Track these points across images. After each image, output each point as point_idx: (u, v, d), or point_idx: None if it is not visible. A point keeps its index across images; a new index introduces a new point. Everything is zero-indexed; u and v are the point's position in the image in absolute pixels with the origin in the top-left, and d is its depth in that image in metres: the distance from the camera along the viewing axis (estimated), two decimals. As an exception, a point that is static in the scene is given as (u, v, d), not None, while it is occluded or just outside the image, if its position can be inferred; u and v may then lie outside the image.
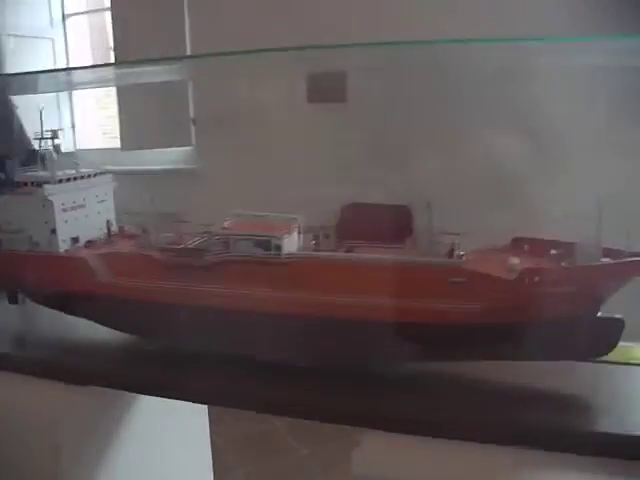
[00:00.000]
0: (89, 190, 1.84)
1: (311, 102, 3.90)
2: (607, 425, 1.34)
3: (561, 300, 1.37)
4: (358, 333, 1.48)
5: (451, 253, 1.52)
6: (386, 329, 1.46)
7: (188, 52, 5.21)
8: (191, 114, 5.10)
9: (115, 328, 1.73)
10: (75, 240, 1.77)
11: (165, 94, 4.43)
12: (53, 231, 1.71)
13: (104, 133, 6.17)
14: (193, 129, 5.08)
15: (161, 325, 1.64)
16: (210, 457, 2.19)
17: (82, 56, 5.82)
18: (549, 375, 1.52)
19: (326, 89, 3.90)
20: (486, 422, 1.36)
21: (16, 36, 5.40)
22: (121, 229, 1.91)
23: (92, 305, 1.69)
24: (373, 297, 1.47)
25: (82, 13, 5.72)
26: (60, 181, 1.73)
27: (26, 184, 1.72)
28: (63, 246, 1.73)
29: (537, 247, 1.53)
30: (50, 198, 1.69)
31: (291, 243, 1.62)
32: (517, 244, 1.58)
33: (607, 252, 1.43)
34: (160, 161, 5.55)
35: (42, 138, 1.84)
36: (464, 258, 1.51)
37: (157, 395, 1.65)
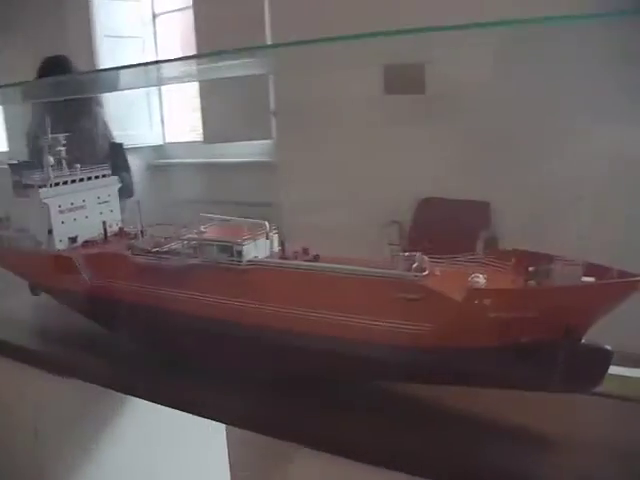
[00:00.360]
0: (89, 192, 1.93)
1: (389, 94, 3.81)
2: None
3: (519, 325, 1.23)
4: (304, 346, 1.43)
5: (418, 266, 1.42)
6: (332, 344, 1.40)
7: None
8: (272, 107, 5.17)
9: (95, 321, 1.82)
10: (73, 240, 1.87)
11: (246, 87, 4.53)
12: (50, 231, 1.82)
13: (191, 127, 6.43)
14: (274, 122, 5.15)
15: (129, 324, 1.70)
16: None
17: (171, 54, 6.11)
18: (519, 406, 1.37)
19: (404, 80, 3.79)
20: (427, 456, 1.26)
21: (109, 37, 5.79)
22: (121, 229, 1.98)
23: (76, 300, 1.79)
24: (320, 309, 1.40)
25: (171, 12, 5.99)
26: (57, 184, 1.83)
27: (29, 186, 1.84)
28: (60, 245, 1.83)
29: (529, 263, 1.37)
30: (45, 201, 1.80)
31: (256, 249, 1.60)
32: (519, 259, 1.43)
33: (594, 270, 1.26)
34: (240, 154, 5.71)
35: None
36: (425, 272, 1.40)
37: (130, 394, 1.70)
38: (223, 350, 1.57)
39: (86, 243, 1.88)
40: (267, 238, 1.63)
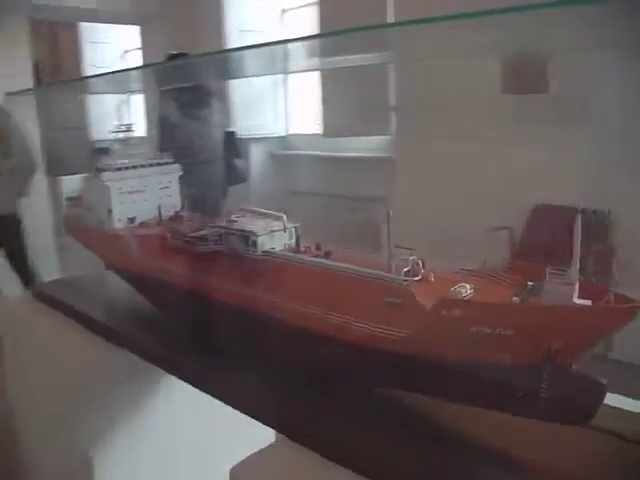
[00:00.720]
0: (151, 177, 2.10)
1: (507, 93, 3.66)
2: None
3: (491, 342, 1.15)
4: (297, 339, 1.45)
5: (410, 271, 1.38)
6: (319, 341, 1.41)
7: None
8: (391, 103, 5.16)
9: (143, 296, 1.99)
10: (131, 220, 2.06)
11: (366, 82, 4.60)
12: (110, 211, 2.02)
13: (314, 120, 6.60)
14: (393, 118, 5.13)
15: (163, 303, 1.83)
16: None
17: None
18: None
19: (526, 78, 3.61)
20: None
21: (241, 31, 6.12)
22: (176, 213, 2.14)
23: (127, 275, 1.99)
24: (310, 303, 1.42)
25: (299, 7, 6.18)
26: (119, 169, 2.03)
27: (100, 170, 2.06)
28: (118, 225, 2.03)
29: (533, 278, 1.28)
30: (107, 183, 2.00)
31: (272, 241, 1.65)
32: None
33: (592, 291, 1.15)
34: (359, 149, 5.78)
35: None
36: (417, 277, 1.35)
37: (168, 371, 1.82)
38: (242, 336, 1.65)
39: (142, 224, 2.06)
40: (284, 231, 1.68)
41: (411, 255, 1.37)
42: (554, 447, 1.23)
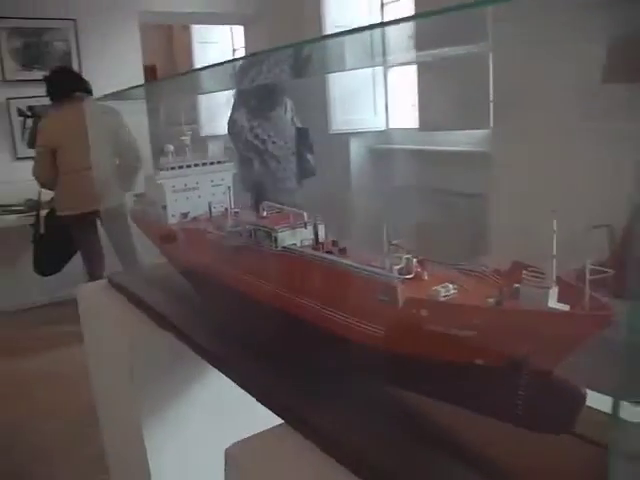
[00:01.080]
0: (204, 176, 2.26)
1: (608, 82, 3.43)
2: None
3: (457, 344, 1.13)
4: (296, 329, 1.52)
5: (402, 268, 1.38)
6: (314, 333, 1.45)
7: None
8: (490, 96, 5.02)
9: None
10: (185, 215, 2.22)
11: (463, 74, 4.52)
12: (164, 207, 2.20)
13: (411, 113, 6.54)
14: (491, 111, 4.99)
15: (202, 295, 1.97)
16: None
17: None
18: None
19: (634, 65, 3.37)
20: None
21: (338, 27, 6.20)
22: (226, 209, 2.27)
23: (175, 265, 2.17)
24: (308, 297, 1.47)
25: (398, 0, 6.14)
26: (173, 168, 2.20)
27: (157, 169, 2.25)
28: (172, 220, 2.20)
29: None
30: (160, 182, 2.18)
31: (293, 237, 1.71)
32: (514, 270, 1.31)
33: (572, 294, 1.10)
34: (455, 142, 5.66)
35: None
36: (410, 275, 1.35)
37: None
38: (250, 323, 1.76)
39: (194, 219, 2.21)
40: (305, 227, 1.73)
41: (406, 253, 1.37)
42: (540, 456, 1.18)
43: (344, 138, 6.57)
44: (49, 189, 5.49)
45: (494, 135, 4.92)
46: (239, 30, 8.21)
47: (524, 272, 1.12)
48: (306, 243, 1.70)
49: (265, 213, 1.89)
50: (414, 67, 5.64)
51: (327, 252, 1.62)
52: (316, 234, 1.73)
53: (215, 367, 1.78)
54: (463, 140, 5.57)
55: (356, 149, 6.56)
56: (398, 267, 1.36)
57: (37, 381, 4.95)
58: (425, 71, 5.57)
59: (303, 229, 1.74)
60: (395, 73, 6.28)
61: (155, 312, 2.08)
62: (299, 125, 4.41)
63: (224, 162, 2.31)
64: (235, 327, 1.81)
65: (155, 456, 2.09)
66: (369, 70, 6.05)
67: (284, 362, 1.55)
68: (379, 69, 6.08)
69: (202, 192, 2.25)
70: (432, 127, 5.82)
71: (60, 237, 5.63)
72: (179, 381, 2.09)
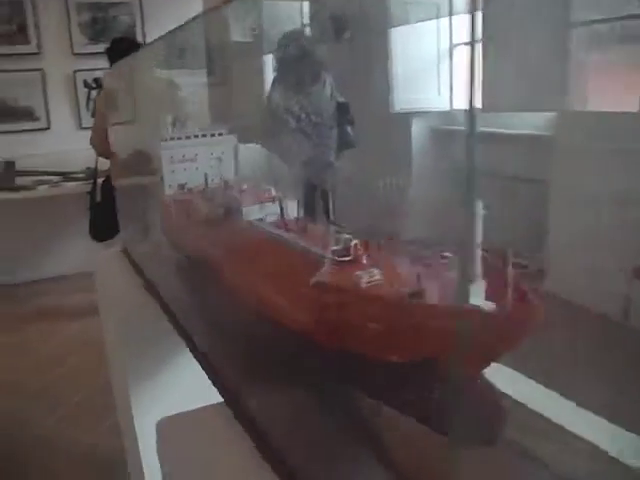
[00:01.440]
0: (203, 147, 2.22)
1: None
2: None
3: (363, 335, 1.03)
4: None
5: (348, 249, 1.28)
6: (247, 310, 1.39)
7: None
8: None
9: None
10: (182, 186, 2.21)
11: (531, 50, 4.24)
12: (161, 178, 2.19)
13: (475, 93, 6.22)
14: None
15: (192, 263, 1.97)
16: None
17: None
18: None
19: None
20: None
21: (406, 3, 5.94)
22: (225, 182, 2.23)
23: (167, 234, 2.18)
24: (249, 272, 1.41)
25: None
26: (172, 139, 2.18)
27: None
28: (169, 191, 2.20)
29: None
30: (161, 152, 2.17)
31: (261, 211, 1.65)
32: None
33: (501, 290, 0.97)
34: (519, 125, 5.33)
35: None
36: (347, 258, 1.25)
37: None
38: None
39: (189, 190, 2.19)
40: (273, 202, 1.67)
41: (346, 234, 1.27)
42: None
43: (406, 118, 6.32)
44: (105, 158, 5.67)
45: (561, 117, 4.56)
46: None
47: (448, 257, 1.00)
48: (272, 219, 1.63)
49: (245, 186, 1.84)
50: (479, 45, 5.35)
51: (286, 229, 1.55)
52: (281, 209, 1.66)
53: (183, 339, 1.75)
54: (531, 123, 5.22)
55: (418, 130, 6.35)
56: (334, 248, 1.26)
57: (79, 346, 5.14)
58: (491, 46, 5.25)
59: (271, 203, 1.67)
60: (461, 51, 5.95)
61: (150, 283, 2.10)
62: (340, 99, 4.29)
63: (224, 134, 2.27)
64: (202, 297, 1.79)
65: (140, 420, 2.11)
66: (434, 48, 5.76)
67: (230, 336, 1.50)
68: (444, 47, 5.76)
69: (200, 164, 2.22)
70: (495, 108, 5.50)
71: (115, 205, 5.82)
72: (165, 349, 2.09)
